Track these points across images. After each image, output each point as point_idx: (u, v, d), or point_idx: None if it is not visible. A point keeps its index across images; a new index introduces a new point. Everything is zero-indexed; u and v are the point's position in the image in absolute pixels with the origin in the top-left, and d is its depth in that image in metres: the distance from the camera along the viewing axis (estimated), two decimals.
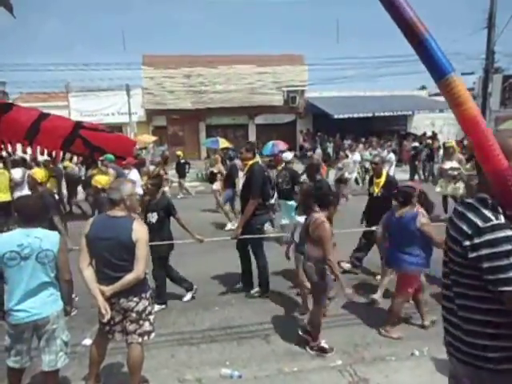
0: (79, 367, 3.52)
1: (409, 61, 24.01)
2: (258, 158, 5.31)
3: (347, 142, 17.83)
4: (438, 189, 9.00)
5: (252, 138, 22.75)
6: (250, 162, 5.16)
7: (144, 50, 48.73)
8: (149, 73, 20.51)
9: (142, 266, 2.90)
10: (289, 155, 7.79)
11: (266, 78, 21.57)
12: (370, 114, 20.28)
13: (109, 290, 2.84)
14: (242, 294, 5.19)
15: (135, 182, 7.70)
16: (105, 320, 2.86)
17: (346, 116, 19.64)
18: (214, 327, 4.36)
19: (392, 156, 12.53)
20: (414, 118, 23.30)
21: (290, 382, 3.37)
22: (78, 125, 6.87)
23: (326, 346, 3.82)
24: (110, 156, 7.52)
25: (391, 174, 9.98)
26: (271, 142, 14.72)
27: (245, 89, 21.27)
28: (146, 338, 3.03)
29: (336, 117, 19.51)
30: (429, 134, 20.53)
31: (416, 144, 16.01)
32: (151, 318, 3.07)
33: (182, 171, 12.90)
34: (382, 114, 20.67)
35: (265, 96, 21.62)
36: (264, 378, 3.47)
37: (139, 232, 2.90)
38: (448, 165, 8.68)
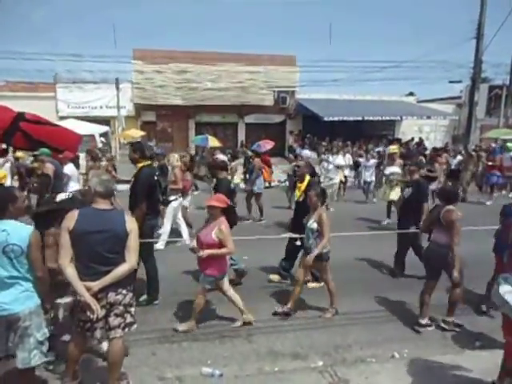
0: (58, 363, 3.45)
1: (398, 67, 24.41)
2: (148, 161, 4.88)
3: (339, 144, 17.89)
4: (380, 195, 9.11)
5: (241, 136, 22.72)
6: (140, 165, 4.74)
7: (135, 44, 48.21)
8: (139, 67, 20.27)
9: (134, 256, 2.91)
10: (308, 153, 9.81)
11: (258, 78, 21.55)
12: (359, 118, 20.45)
13: (97, 284, 2.78)
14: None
15: (70, 176, 7.59)
16: (94, 317, 2.78)
17: (335, 119, 19.77)
18: (204, 325, 4.32)
19: (341, 161, 11.40)
20: (402, 124, 23.58)
21: (271, 382, 3.37)
22: (19, 117, 6.52)
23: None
24: (46, 150, 6.96)
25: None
26: (256, 143, 14.80)
27: (236, 87, 21.21)
28: (127, 329, 3.00)
29: (326, 119, 19.62)
30: (416, 139, 20.83)
31: (380, 149, 16.01)
32: (133, 310, 3.04)
33: None
34: (370, 118, 20.87)
35: (255, 95, 21.61)
36: (245, 377, 3.46)
37: (132, 223, 2.95)
38: (389, 170, 8.75)
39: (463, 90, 23.07)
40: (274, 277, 5.62)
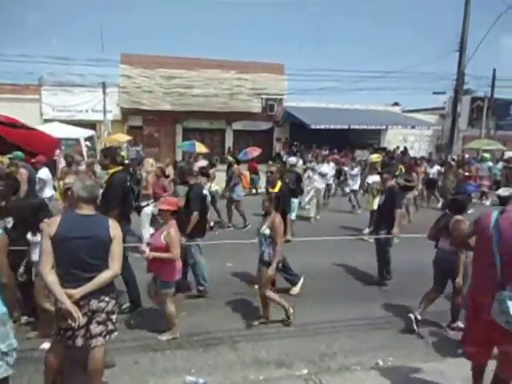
0: (36, 374, 3.34)
1: (384, 77, 24.85)
2: (119, 167, 4.85)
3: (325, 153, 18.06)
4: (363, 204, 9.23)
5: (229, 143, 22.74)
6: (111, 171, 4.75)
7: (123, 48, 47.93)
8: (126, 71, 20.15)
9: (118, 262, 2.86)
10: (294, 159, 9.58)
11: (246, 85, 21.64)
12: (345, 127, 20.69)
13: (79, 291, 2.71)
14: (211, 300, 5.13)
15: (46, 181, 7.45)
16: (76, 325, 2.70)
17: (322, 127, 19.95)
18: (180, 333, 4.26)
19: (325, 169, 11.36)
20: (388, 133, 23.96)
21: None
22: None
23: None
24: (19, 153, 6.89)
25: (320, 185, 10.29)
26: (244, 150, 14.87)
27: (224, 94, 21.25)
28: (108, 337, 2.94)
29: (313, 127, 19.79)
30: (401, 148, 21.20)
31: (363, 157, 16.27)
32: (115, 317, 2.99)
33: None
34: (357, 126, 21.14)
35: (243, 102, 21.67)
36: None
37: (116, 229, 2.90)
38: (371, 179, 8.81)
39: (446, 101, 23.62)
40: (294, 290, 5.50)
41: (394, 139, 23.78)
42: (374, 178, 8.74)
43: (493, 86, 20.56)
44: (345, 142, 21.48)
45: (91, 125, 19.17)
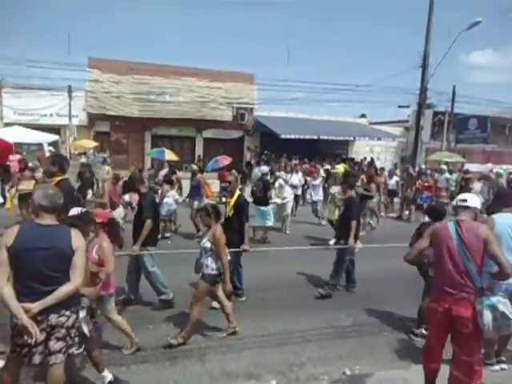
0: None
1: (353, 90, 25.61)
2: (65, 175, 4.73)
3: (294, 162, 18.27)
4: (326, 213, 9.34)
5: (199, 151, 22.57)
6: (57, 179, 4.61)
7: (90, 53, 46.86)
8: (94, 76, 19.66)
9: (80, 276, 2.70)
10: (265, 168, 9.75)
11: (217, 93, 21.65)
12: (315, 137, 21.07)
13: (37, 305, 2.55)
14: (178, 311, 5.01)
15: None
16: (32, 341, 2.54)
17: (292, 136, 20.22)
18: (145, 347, 4.12)
19: (295, 180, 11.39)
20: (355, 144, 24.61)
21: None
22: None
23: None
24: None
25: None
26: (214, 158, 14.82)
27: (194, 102, 21.15)
28: (70, 351, 2.79)
29: (283, 136, 20.02)
30: (368, 159, 21.80)
31: (328, 167, 16.56)
32: (75, 332, 2.83)
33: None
34: (326, 137, 21.58)
35: (214, 111, 21.65)
36: None
37: (78, 240, 2.75)
38: (334, 189, 9.09)
39: (410, 114, 24.59)
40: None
41: (361, 150, 24.45)
42: (336, 188, 8.92)
43: (453, 102, 21.61)
44: (314, 152, 21.84)
45: (55, 129, 18.51)
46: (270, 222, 8.61)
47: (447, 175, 14.42)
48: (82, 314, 3.10)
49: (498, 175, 13.79)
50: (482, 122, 22.82)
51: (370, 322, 4.96)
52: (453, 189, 14.38)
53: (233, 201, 5.45)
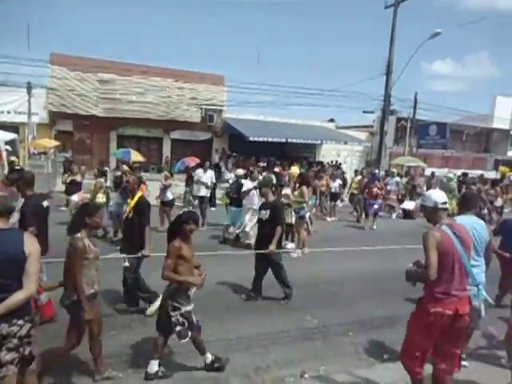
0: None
1: (320, 94, 26.07)
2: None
3: (262, 165, 18.36)
4: None
5: (167, 152, 22.21)
6: None
7: (52, 49, 45.05)
8: (56, 73, 18.91)
9: (34, 282, 2.55)
10: (241, 171, 9.84)
11: (185, 94, 21.41)
12: (283, 140, 21.28)
13: None
14: (143, 316, 4.88)
15: None
16: None
17: (260, 139, 20.32)
18: (107, 355, 3.96)
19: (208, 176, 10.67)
20: (322, 147, 25.08)
21: None
22: None
23: None
24: None
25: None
26: (181, 160, 14.67)
27: (162, 102, 20.80)
28: (28, 365, 2.64)
29: (251, 139, 20.08)
30: (336, 163, 22.26)
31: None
32: (30, 341, 2.66)
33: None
34: (294, 140, 21.84)
35: (182, 112, 21.39)
36: None
37: (32, 245, 2.58)
38: (285, 191, 8.85)
39: (375, 119, 25.38)
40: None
41: (328, 154, 24.94)
42: (288, 190, 8.86)
43: (415, 108, 22.52)
44: (282, 154, 22.06)
45: (14, 127, 17.62)
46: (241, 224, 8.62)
47: (397, 179, 14.94)
48: (191, 306, 3.62)
49: (449, 179, 14.39)
50: (441, 128, 23.91)
51: (335, 323, 5.03)
52: (403, 192, 15.02)
53: (133, 202, 5.13)
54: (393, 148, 24.98)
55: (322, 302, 5.75)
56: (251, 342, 4.43)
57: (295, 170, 11.37)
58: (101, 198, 8.80)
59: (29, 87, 17.68)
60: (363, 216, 12.50)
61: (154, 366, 3.62)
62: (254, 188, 8.51)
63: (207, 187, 10.42)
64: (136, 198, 5.13)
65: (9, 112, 18.68)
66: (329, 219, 12.76)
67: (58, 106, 19.04)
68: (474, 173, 21.56)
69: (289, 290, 5.75)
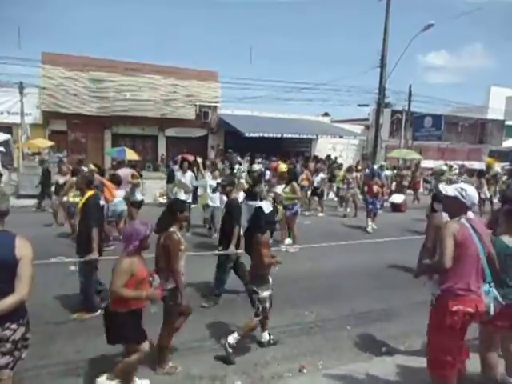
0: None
1: (315, 88, 26.02)
2: None
3: (258, 161, 18.32)
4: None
5: (162, 150, 22.14)
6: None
7: (44, 48, 44.66)
8: (49, 72, 18.75)
9: (26, 286, 2.51)
10: (256, 166, 10.50)
11: (180, 91, 21.31)
12: (278, 135, 21.26)
13: None
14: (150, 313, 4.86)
15: None
16: None
17: (256, 135, 20.29)
18: (106, 355, 3.97)
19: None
20: (318, 142, 25.06)
21: None
22: None
23: None
24: None
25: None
26: (176, 157, 14.62)
27: (156, 100, 20.70)
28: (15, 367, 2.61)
29: (247, 135, 20.04)
30: (332, 157, 22.24)
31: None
32: (27, 344, 2.66)
33: None
34: (289, 135, 21.82)
35: (177, 109, 21.30)
36: None
37: (24, 248, 2.54)
38: (279, 189, 8.52)
39: (370, 113, 25.38)
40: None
41: (323, 148, 24.93)
42: (280, 188, 8.59)
43: (409, 101, 22.51)
44: (278, 150, 22.03)
45: (7, 128, 17.51)
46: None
47: (387, 172, 14.90)
48: (268, 292, 4.07)
49: (441, 173, 13.66)
50: (436, 120, 23.94)
51: (333, 318, 5.05)
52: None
53: (81, 203, 4.95)
54: (388, 141, 25.01)
55: (319, 297, 5.76)
56: (248, 339, 4.44)
57: (282, 165, 11.29)
58: (71, 197, 8.35)
59: (21, 87, 17.53)
60: (348, 210, 12.66)
61: (265, 335, 4.29)
62: (218, 185, 8.14)
63: (186, 192, 9.07)
64: (83, 200, 4.90)
65: (1, 113, 18.55)
66: (320, 214, 12.70)
67: (50, 105, 18.91)
68: (469, 164, 21.66)
69: (218, 293, 5.40)
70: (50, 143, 16.71)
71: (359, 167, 16.08)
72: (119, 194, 8.46)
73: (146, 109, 20.47)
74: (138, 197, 9.00)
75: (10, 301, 2.45)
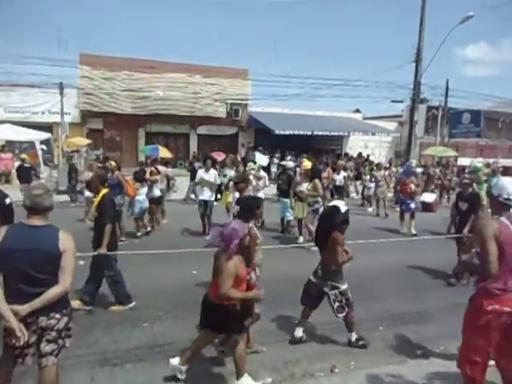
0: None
1: (346, 85, 25.55)
2: None
3: (288, 158, 18.23)
4: (294, 211, 8.75)
5: (193, 147, 22.49)
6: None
7: (81, 49, 46.34)
8: (86, 73, 19.47)
9: (69, 278, 2.66)
10: (291, 163, 10.62)
11: (211, 89, 21.55)
12: (309, 132, 21.08)
13: (26, 308, 2.53)
14: (172, 308, 4.99)
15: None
16: (21, 344, 2.51)
17: (286, 132, 20.21)
18: (141, 345, 4.10)
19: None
20: (349, 139, 24.64)
21: None
22: None
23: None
24: None
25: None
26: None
27: (188, 98, 21.03)
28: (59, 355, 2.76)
29: (277, 132, 20.00)
30: (364, 155, 21.82)
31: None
32: (70, 333, 2.81)
33: (24, 176, 11.61)
34: (320, 132, 21.58)
35: (208, 107, 21.56)
36: None
37: (67, 242, 2.69)
38: (304, 187, 8.39)
39: (404, 109, 24.65)
40: (76, 302, 4.73)
41: (355, 145, 24.48)
42: (304, 186, 8.46)
43: (446, 96, 21.69)
44: (308, 147, 21.86)
45: (48, 127, 18.35)
46: (290, 216, 9.08)
47: (418, 170, 14.36)
48: (345, 285, 4.20)
49: (476, 170, 11.68)
50: (475, 116, 22.95)
51: (365, 318, 4.95)
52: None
53: (96, 201, 4.99)
54: (423, 138, 24.23)
55: (352, 296, 5.67)
56: (279, 336, 4.44)
57: (307, 163, 11.12)
58: None
59: (61, 88, 18.30)
60: (372, 209, 12.35)
61: (299, 332, 4.30)
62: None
63: (211, 189, 8.91)
64: (99, 197, 4.99)
65: (43, 112, 19.45)
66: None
67: (88, 105, 19.64)
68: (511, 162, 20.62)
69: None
70: (88, 141, 17.39)
71: (388, 165, 15.64)
72: (143, 192, 8.70)
73: (177, 107, 20.85)
74: (156, 193, 9.15)
75: (54, 292, 2.59)
